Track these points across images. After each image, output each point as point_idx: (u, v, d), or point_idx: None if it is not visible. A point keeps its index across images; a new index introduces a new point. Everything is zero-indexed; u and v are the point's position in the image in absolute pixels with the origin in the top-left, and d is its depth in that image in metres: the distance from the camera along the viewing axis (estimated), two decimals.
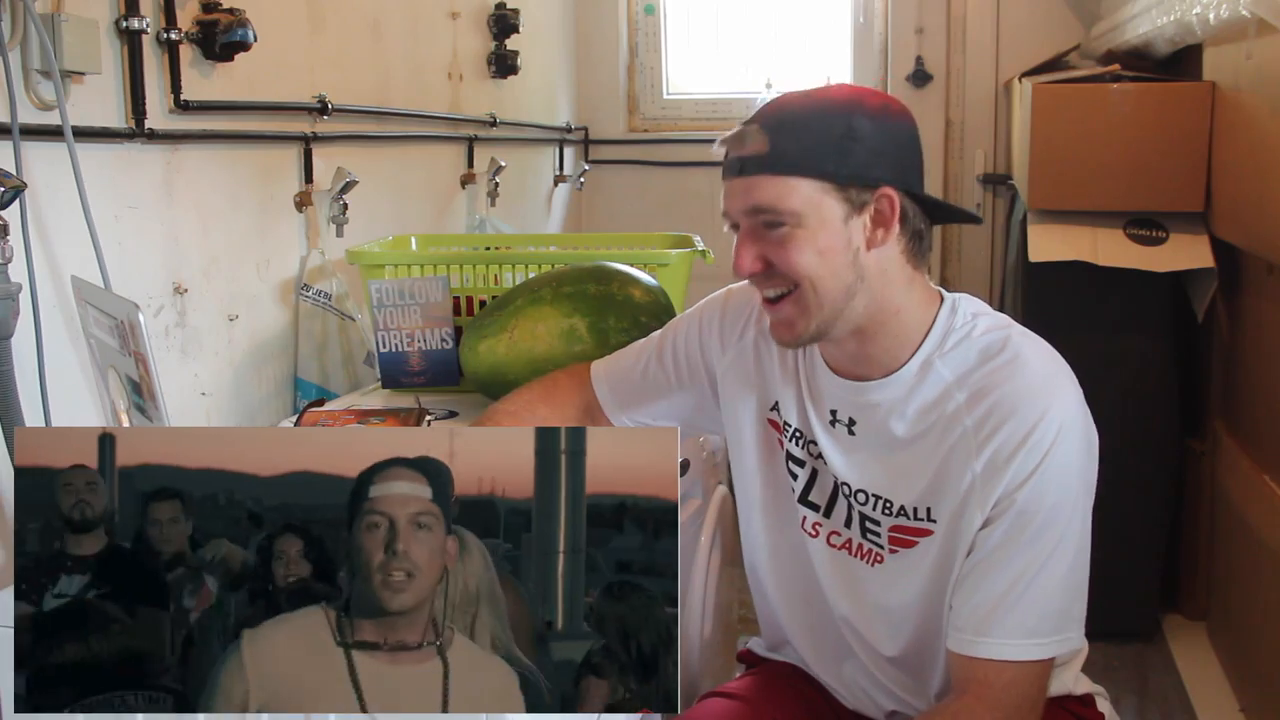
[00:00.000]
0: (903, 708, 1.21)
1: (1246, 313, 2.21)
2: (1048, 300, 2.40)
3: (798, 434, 1.21)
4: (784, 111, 1.07)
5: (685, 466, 1.50)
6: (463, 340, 1.63)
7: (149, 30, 1.47)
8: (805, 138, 1.05)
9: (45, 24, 1.28)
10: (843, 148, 1.05)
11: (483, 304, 1.71)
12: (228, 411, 1.68)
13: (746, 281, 1.15)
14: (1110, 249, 2.32)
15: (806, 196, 1.05)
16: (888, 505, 1.13)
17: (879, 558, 1.16)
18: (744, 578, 1.37)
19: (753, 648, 1.41)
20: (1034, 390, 1.06)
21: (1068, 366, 1.10)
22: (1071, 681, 1.23)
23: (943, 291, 1.15)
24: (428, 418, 1.46)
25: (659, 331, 1.37)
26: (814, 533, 1.20)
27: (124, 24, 1.43)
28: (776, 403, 1.23)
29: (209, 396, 1.64)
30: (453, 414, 1.60)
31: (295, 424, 1.46)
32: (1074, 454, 1.06)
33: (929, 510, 1.11)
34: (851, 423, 1.15)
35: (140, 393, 0.91)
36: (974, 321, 1.12)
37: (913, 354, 1.11)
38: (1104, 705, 1.25)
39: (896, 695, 1.21)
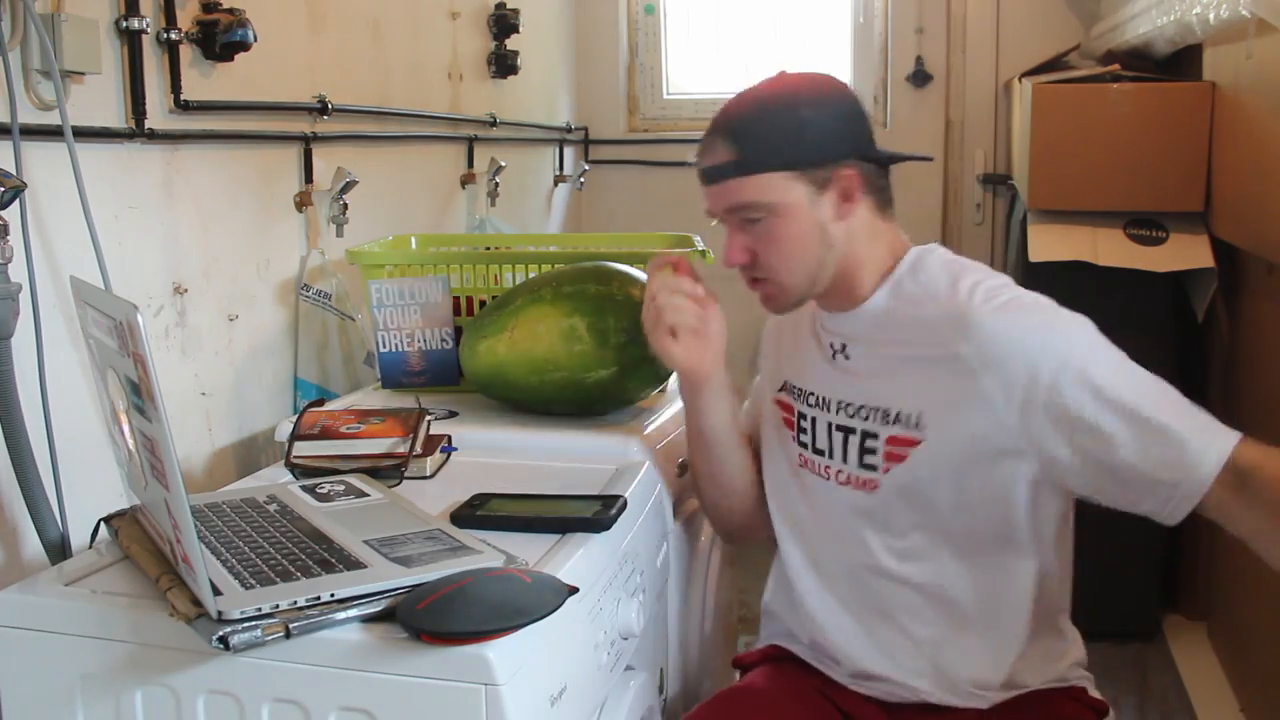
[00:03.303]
0: (935, 676, 1.25)
1: (1246, 313, 2.21)
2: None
3: (797, 390, 1.34)
4: (738, 118, 1.22)
5: (684, 468, 1.50)
6: (463, 340, 1.63)
7: (149, 30, 1.47)
8: (763, 135, 1.19)
9: (45, 24, 1.28)
10: (797, 136, 1.19)
11: (483, 304, 1.71)
12: (227, 412, 1.68)
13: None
14: (1110, 249, 2.32)
15: (776, 187, 1.20)
16: (885, 414, 1.23)
17: (874, 484, 1.24)
18: (744, 578, 1.38)
19: (759, 643, 1.42)
20: (1020, 308, 1.17)
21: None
22: (1069, 671, 1.28)
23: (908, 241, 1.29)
24: (428, 418, 1.46)
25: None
26: (825, 474, 1.29)
27: (124, 24, 1.43)
28: (785, 381, 1.36)
29: (209, 397, 1.64)
30: (453, 414, 1.60)
31: (295, 424, 1.46)
32: (1078, 332, 1.14)
33: (920, 417, 1.19)
34: (845, 348, 1.28)
35: (139, 393, 0.91)
36: (940, 255, 1.26)
37: (883, 280, 1.25)
38: (1095, 693, 1.31)
39: (928, 652, 1.25)
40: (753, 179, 1.20)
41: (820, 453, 1.30)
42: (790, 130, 1.19)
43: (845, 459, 1.26)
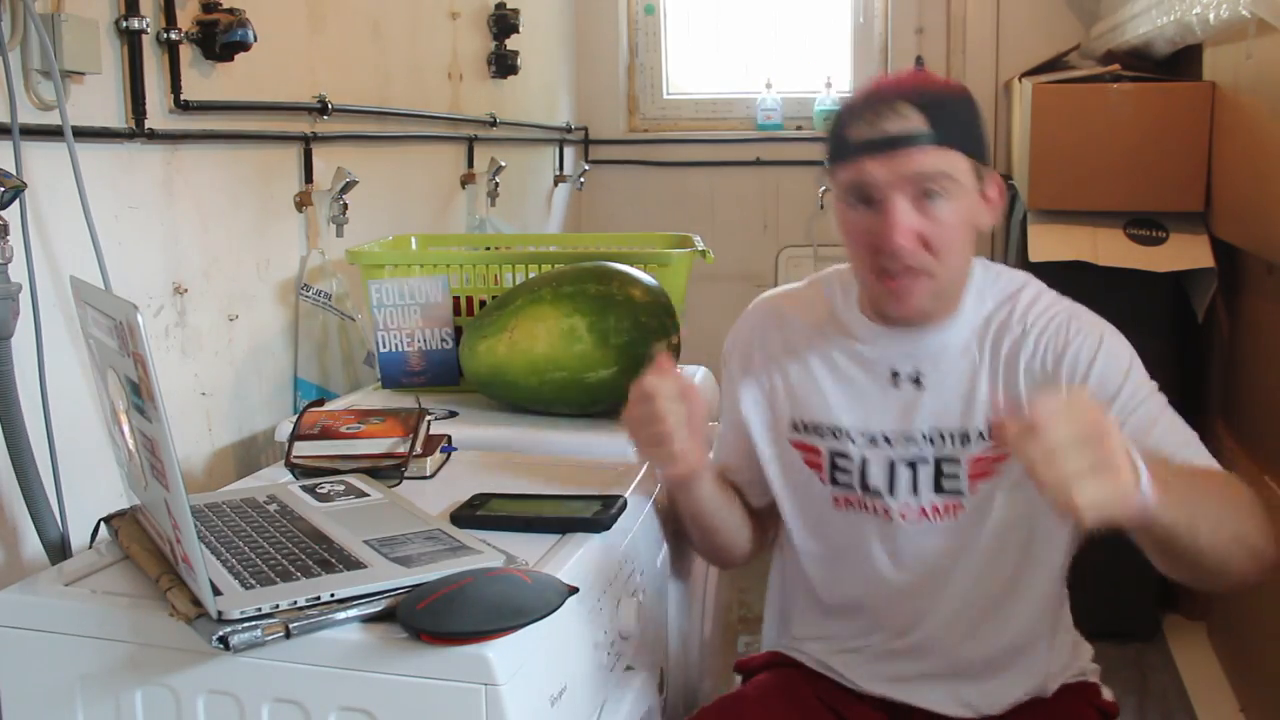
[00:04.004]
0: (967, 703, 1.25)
1: (1246, 313, 2.21)
2: None
3: (834, 430, 1.25)
4: (928, 93, 1.14)
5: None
6: (463, 340, 1.63)
7: (149, 30, 1.47)
8: (955, 115, 1.15)
9: (45, 24, 1.28)
10: (976, 127, 1.17)
11: (483, 304, 1.71)
12: (227, 412, 1.68)
13: (753, 305, 1.32)
14: (1110, 249, 2.31)
15: (962, 168, 1.14)
16: (964, 437, 1.19)
17: (959, 506, 1.21)
18: (744, 578, 1.37)
19: (762, 648, 1.41)
20: (1073, 315, 1.20)
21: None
22: (1089, 668, 1.30)
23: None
24: (428, 418, 1.46)
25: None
26: (887, 515, 1.24)
27: (124, 24, 1.43)
28: (796, 421, 1.27)
29: (209, 397, 1.64)
30: (453, 414, 1.60)
31: (295, 424, 1.46)
32: (1116, 340, 1.19)
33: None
34: (917, 372, 1.21)
35: (139, 394, 0.91)
36: (997, 268, 1.26)
37: (963, 295, 1.21)
38: (1108, 694, 1.31)
39: (966, 684, 1.25)
40: (946, 152, 1.13)
41: (875, 493, 1.23)
42: (974, 117, 1.17)
43: (915, 491, 1.22)
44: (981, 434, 1.19)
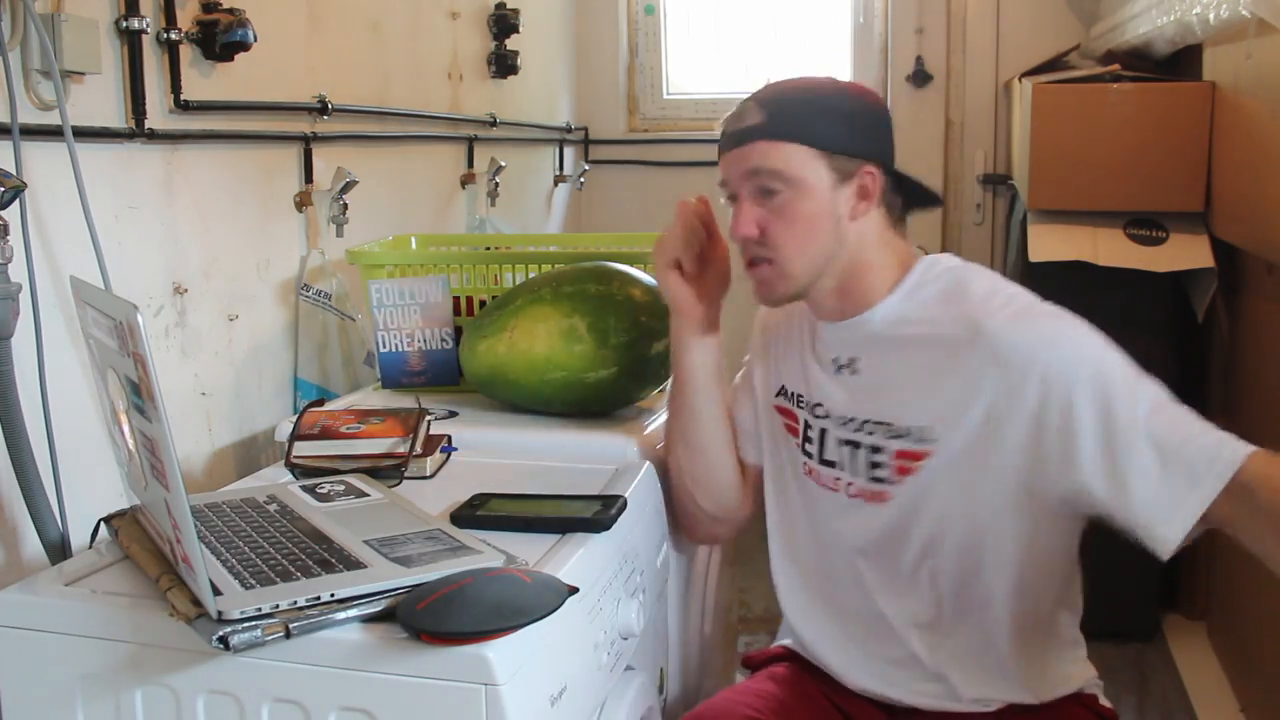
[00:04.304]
0: (935, 692, 1.25)
1: (1246, 313, 2.21)
2: (1048, 300, 2.40)
3: (800, 398, 1.32)
4: (778, 90, 1.22)
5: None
6: (463, 340, 1.63)
7: (149, 30, 1.47)
8: (798, 110, 1.20)
9: (45, 24, 1.28)
10: (832, 121, 1.19)
11: (483, 304, 1.71)
12: (227, 412, 1.68)
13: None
14: (1110, 249, 2.32)
15: (801, 160, 1.18)
16: (890, 428, 1.22)
17: (886, 496, 1.23)
18: (744, 577, 1.38)
19: (775, 642, 1.42)
20: (1034, 317, 1.17)
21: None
22: (1088, 676, 1.29)
23: (923, 252, 1.28)
24: (428, 418, 1.46)
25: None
26: (835, 487, 1.28)
27: (124, 24, 1.43)
28: (783, 386, 1.35)
29: (209, 397, 1.64)
30: (453, 414, 1.60)
31: (295, 424, 1.46)
32: (1093, 344, 1.14)
33: (928, 429, 1.19)
34: (852, 361, 1.25)
35: (139, 393, 0.91)
36: (950, 263, 1.25)
37: (893, 288, 1.24)
38: (1105, 701, 1.31)
39: (929, 670, 1.25)
40: (780, 146, 1.19)
41: (830, 464, 1.29)
42: (825, 112, 1.19)
43: (855, 472, 1.26)
44: (908, 430, 1.20)
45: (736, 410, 1.41)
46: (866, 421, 1.24)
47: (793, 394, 1.34)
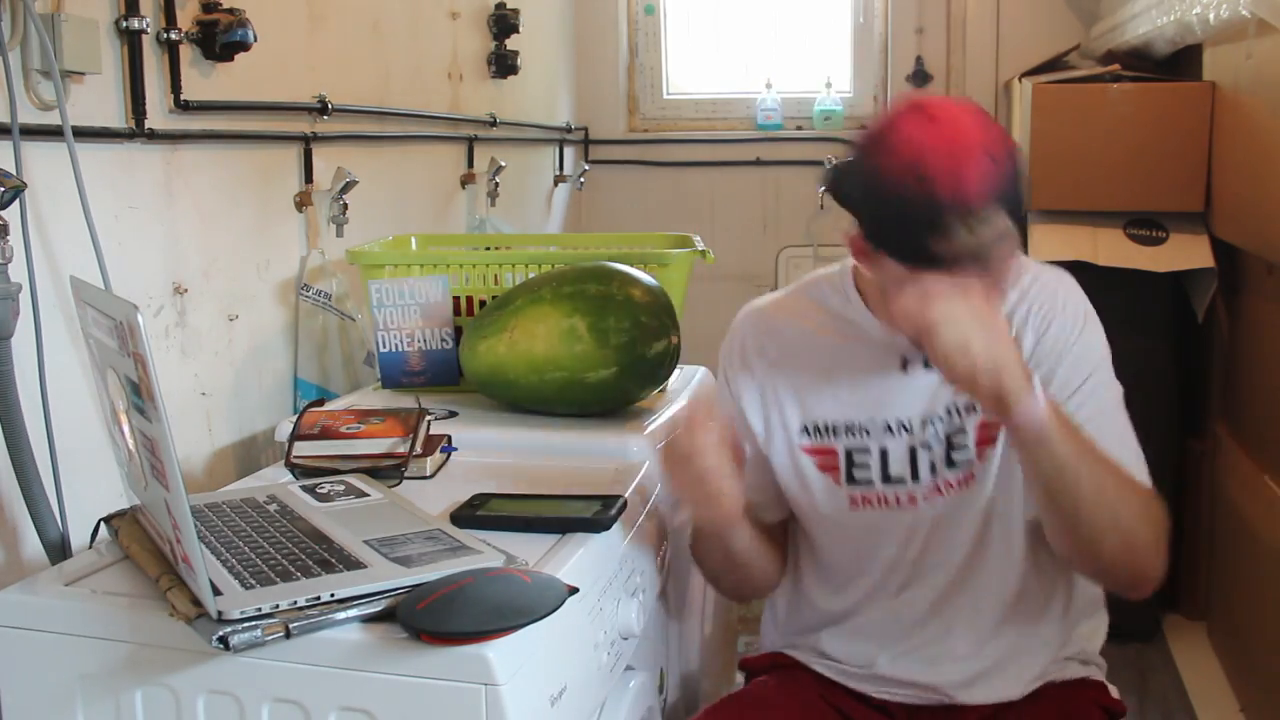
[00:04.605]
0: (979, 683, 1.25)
1: (1246, 313, 2.21)
2: None
3: (848, 428, 1.25)
4: (1009, 181, 1.06)
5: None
6: (463, 340, 1.63)
7: (149, 30, 1.47)
8: (1018, 193, 1.09)
9: (45, 24, 1.28)
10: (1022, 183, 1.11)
11: (483, 304, 1.71)
12: (227, 412, 1.68)
13: (742, 315, 1.32)
14: (1110, 249, 2.32)
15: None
16: (971, 406, 1.20)
17: (971, 476, 1.22)
18: None
19: (761, 649, 1.41)
20: (1063, 286, 1.24)
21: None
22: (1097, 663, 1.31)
23: None
24: (428, 418, 1.46)
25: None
26: (912, 502, 1.24)
27: (124, 24, 1.43)
28: (805, 425, 1.27)
29: (209, 397, 1.64)
30: (453, 414, 1.60)
31: (295, 424, 1.46)
32: (1095, 329, 1.22)
33: None
34: (925, 357, 1.17)
35: (139, 393, 0.91)
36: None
37: None
38: (1114, 692, 1.33)
39: (980, 658, 1.26)
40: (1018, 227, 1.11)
41: (898, 481, 1.24)
42: (1021, 175, 1.10)
43: (934, 471, 1.23)
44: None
45: (750, 487, 1.28)
46: (949, 407, 1.21)
47: (827, 427, 1.26)
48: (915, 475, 1.23)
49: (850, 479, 1.26)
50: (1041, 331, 1.19)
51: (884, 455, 1.24)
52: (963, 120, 1.06)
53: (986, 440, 1.21)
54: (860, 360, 1.24)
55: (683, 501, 1.24)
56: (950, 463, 1.22)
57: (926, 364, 1.19)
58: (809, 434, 1.27)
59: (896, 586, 1.28)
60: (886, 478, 1.24)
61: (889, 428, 1.23)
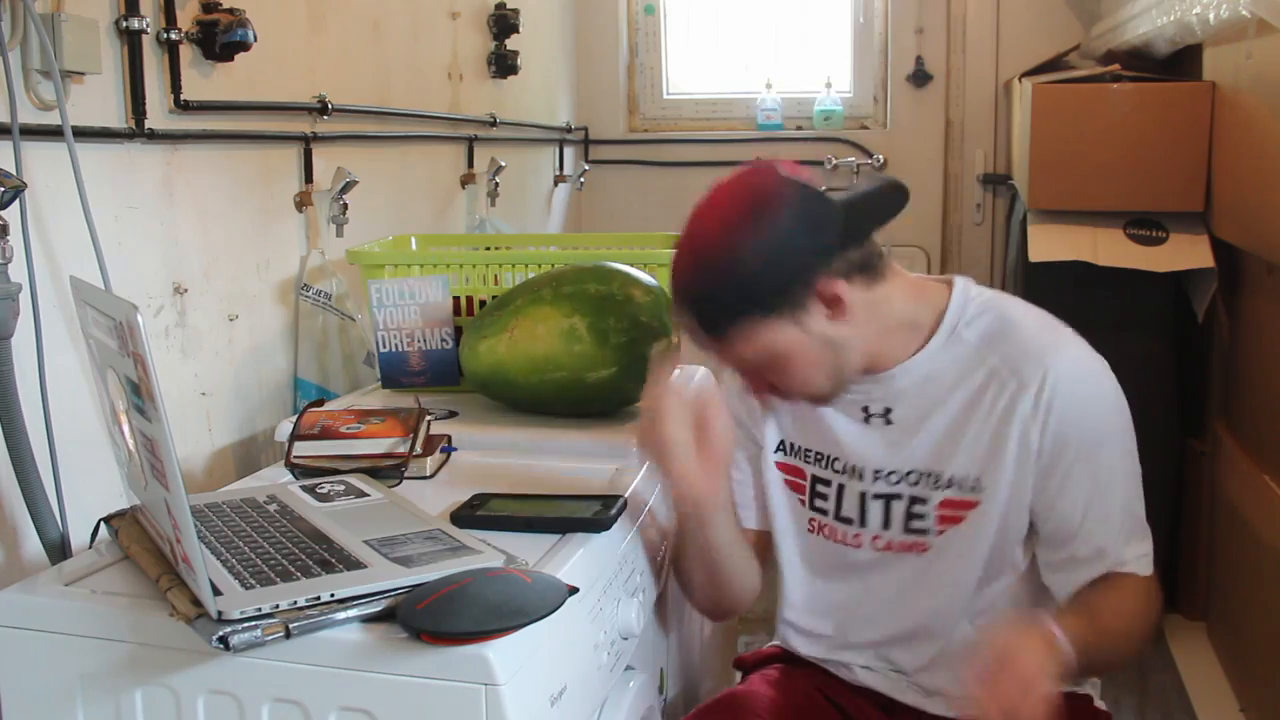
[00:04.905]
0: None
1: (1246, 313, 2.21)
2: (1048, 300, 2.36)
3: (810, 453, 1.27)
4: (688, 284, 1.13)
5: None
6: (463, 340, 1.63)
7: (149, 30, 1.47)
8: (715, 299, 1.11)
9: (45, 24, 1.28)
10: (748, 285, 1.09)
11: (483, 304, 1.71)
12: (228, 412, 1.68)
13: None
14: (1110, 249, 2.32)
15: (756, 337, 1.12)
16: (936, 479, 1.18)
17: (924, 546, 1.21)
18: None
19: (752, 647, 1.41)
20: (1070, 365, 1.15)
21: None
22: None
23: (951, 277, 1.21)
24: (428, 418, 1.46)
25: None
26: (853, 543, 1.25)
27: (124, 24, 1.43)
28: (783, 441, 1.29)
29: (209, 397, 1.64)
30: (453, 414, 1.60)
31: (295, 424, 1.46)
32: (1105, 388, 1.16)
33: (978, 480, 1.16)
34: (887, 411, 1.20)
35: (139, 393, 0.91)
36: (983, 298, 1.20)
37: (931, 334, 1.18)
38: (1100, 702, 1.30)
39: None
40: (725, 340, 1.13)
41: (846, 521, 1.25)
42: (736, 283, 1.09)
43: (887, 526, 1.22)
44: (952, 479, 1.18)
45: (734, 485, 1.31)
46: (911, 472, 1.20)
47: (799, 449, 1.28)
48: (864, 521, 1.24)
49: (813, 505, 1.28)
50: (1055, 432, 1.15)
51: (840, 492, 1.25)
52: (696, 216, 1.14)
53: (952, 519, 1.20)
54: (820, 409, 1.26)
55: (648, 458, 1.21)
56: (907, 528, 1.22)
57: (887, 419, 1.20)
58: (784, 451, 1.30)
59: (860, 620, 1.28)
60: (839, 514, 1.26)
61: (847, 468, 1.24)
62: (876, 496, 1.22)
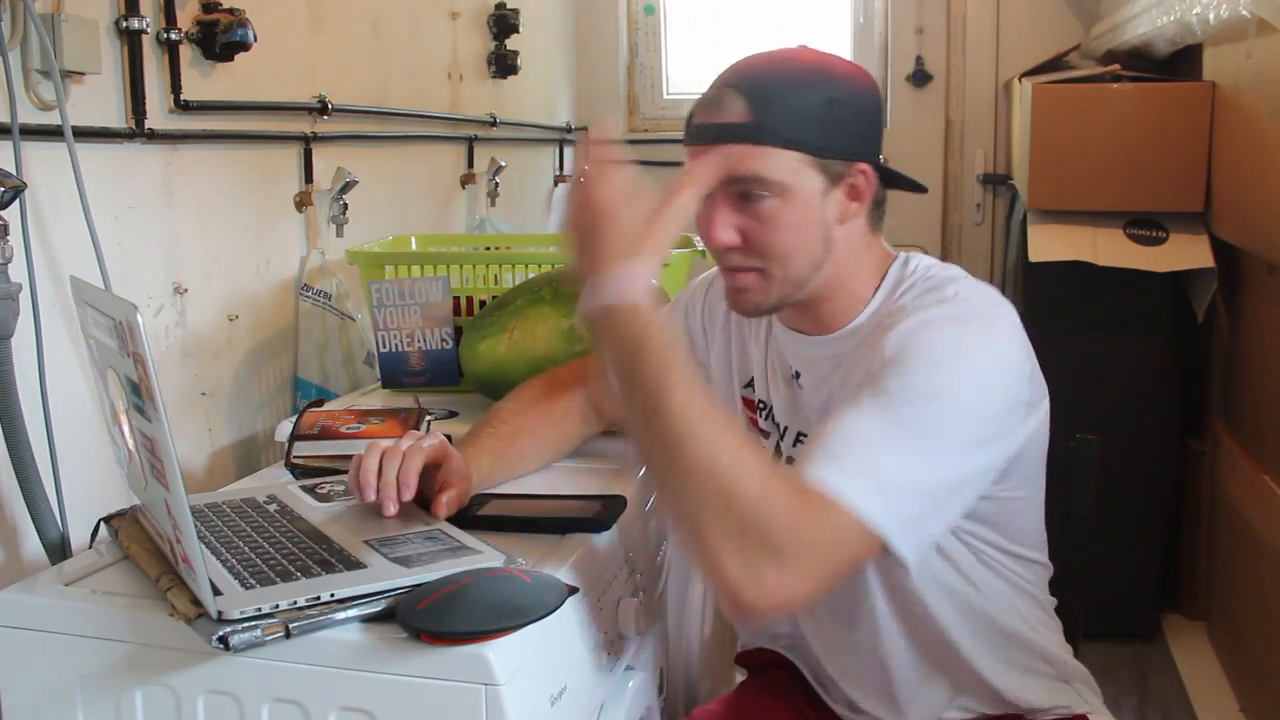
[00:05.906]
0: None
1: (1246, 313, 2.21)
2: (1048, 300, 2.40)
3: (761, 405, 1.24)
4: (762, 78, 1.06)
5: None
6: (463, 340, 1.63)
7: (149, 30, 1.47)
8: (788, 108, 1.03)
9: (45, 24, 1.28)
10: (824, 120, 1.04)
11: (483, 304, 1.71)
12: (228, 412, 1.68)
13: (705, 276, 1.26)
14: (1110, 249, 2.32)
15: (790, 168, 1.04)
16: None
17: None
18: None
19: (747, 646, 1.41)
20: (936, 307, 1.03)
21: (1010, 307, 1.06)
22: (1074, 698, 1.21)
23: (894, 250, 1.16)
24: (428, 418, 1.46)
25: None
26: None
27: (124, 24, 1.43)
28: (751, 379, 1.26)
29: (209, 397, 1.64)
30: (453, 414, 1.60)
31: (295, 424, 1.46)
32: (950, 350, 0.98)
33: None
34: (798, 375, 1.17)
35: (139, 393, 0.91)
36: (926, 269, 1.12)
37: (863, 308, 1.12)
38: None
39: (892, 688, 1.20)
40: (767, 151, 1.03)
41: None
42: (818, 111, 1.03)
43: None
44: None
45: None
46: (801, 435, 1.17)
47: (758, 401, 1.25)
48: None
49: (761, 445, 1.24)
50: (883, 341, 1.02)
51: (778, 447, 1.21)
52: (784, 50, 1.09)
53: None
54: (766, 355, 1.23)
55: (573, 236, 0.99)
56: None
57: (798, 380, 1.16)
58: (750, 387, 1.26)
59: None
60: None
61: (775, 422, 1.21)
62: (788, 460, 1.18)
